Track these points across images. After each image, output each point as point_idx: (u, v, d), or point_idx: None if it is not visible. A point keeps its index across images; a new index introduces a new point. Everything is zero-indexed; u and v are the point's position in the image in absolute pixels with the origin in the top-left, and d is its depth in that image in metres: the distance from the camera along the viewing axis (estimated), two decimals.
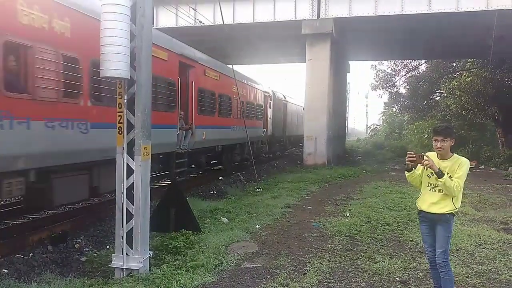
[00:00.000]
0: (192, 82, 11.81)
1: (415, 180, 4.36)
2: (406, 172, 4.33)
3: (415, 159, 4.11)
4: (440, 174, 3.97)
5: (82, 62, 6.98)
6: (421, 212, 4.34)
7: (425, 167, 4.12)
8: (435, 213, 4.15)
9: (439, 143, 4.11)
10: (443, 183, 3.96)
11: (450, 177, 3.99)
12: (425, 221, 4.33)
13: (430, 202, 4.19)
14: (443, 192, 4.08)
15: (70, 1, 6.78)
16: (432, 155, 4.20)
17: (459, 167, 4.06)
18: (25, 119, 5.88)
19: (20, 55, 5.96)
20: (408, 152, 4.20)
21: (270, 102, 22.11)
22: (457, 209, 4.17)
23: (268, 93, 21.83)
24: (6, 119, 5.55)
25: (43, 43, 6.17)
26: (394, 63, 33.63)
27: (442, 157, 4.15)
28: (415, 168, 4.29)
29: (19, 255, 5.99)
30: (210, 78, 12.97)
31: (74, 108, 6.89)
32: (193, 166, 13.15)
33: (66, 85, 6.64)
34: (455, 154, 4.20)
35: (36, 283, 5.12)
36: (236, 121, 15.69)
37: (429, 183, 4.22)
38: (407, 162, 4.18)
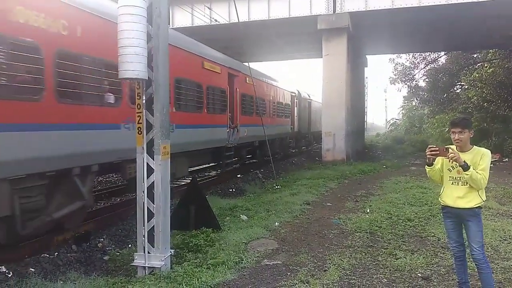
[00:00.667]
0: (237, 88, 13.98)
1: (435, 175, 4.27)
2: (426, 166, 4.25)
3: (437, 152, 4.01)
4: (466, 167, 3.87)
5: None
6: (445, 207, 4.24)
7: (450, 160, 4.00)
8: (463, 208, 4.04)
9: (457, 135, 4.02)
10: (470, 176, 3.87)
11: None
12: (450, 217, 4.22)
13: (455, 196, 4.08)
14: (468, 185, 3.99)
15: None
16: (453, 147, 4.09)
17: (481, 158, 3.98)
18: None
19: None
20: (429, 146, 4.11)
21: (296, 102, 23.66)
22: (483, 202, 4.08)
23: (295, 93, 23.41)
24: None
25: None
26: (412, 56, 33.11)
27: (462, 150, 4.06)
28: (434, 162, 4.20)
29: (45, 255, 6.14)
30: (249, 84, 14.56)
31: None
32: (236, 158, 14.87)
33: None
34: (474, 146, 4.11)
35: (61, 282, 5.24)
36: (270, 119, 17.81)
37: (450, 177, 4.13)
38: (428, 156, 4.09)
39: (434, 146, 4.10)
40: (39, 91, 5.83)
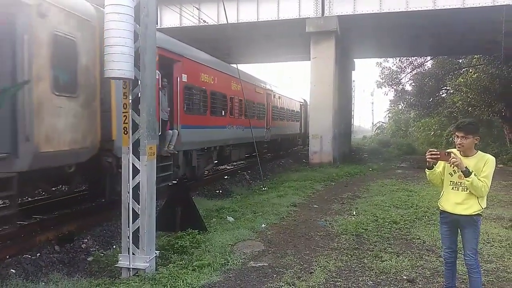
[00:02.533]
0: (269, 103, 20.61)
1: (436, 178, 4.19)
2: (426, 170, 4.16)
3: (438, 156, 3.91)
4: (467, 173, 3.79)
5: (229, 98, 14.91)
6: (443, 212, 4.17)
7: (452, 165, 3.91)
8: (461, 215, 3.97)
9: (459, 139, 3.94)
10: (470, 182, 3.78)
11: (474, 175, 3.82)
12: (446, 223, 4.17)
13: (454, 202, 4.01)
14: (468, 191, 3.91)
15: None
16: (455, 151, 4.00)
17: (485, 165, 3.88)
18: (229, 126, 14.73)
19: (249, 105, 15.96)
20: (430, 150, 4.02)
21: (303, 109, 29.86)
22: (483, 209, 3.99)
23: (302, 102, 29.68)
24: (230, 126, 14.71)
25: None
26: (399, 60, 33.43)
27: (465, 154, 3.96)
28: (435, 166, 4.12)
29: (27, 255, 6.02)
30: (276, 99, 22.24)
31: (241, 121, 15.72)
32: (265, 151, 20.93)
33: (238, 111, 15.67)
34: (479, 151, 4.01)
35: (43, 283, 5.14)
36: (287, 122, 25.15)
37: (451, 181, 4.04)
38: (428, 160, 4.00)
39: (435, 149, 3.99)
40: (205, 110, 12.52)
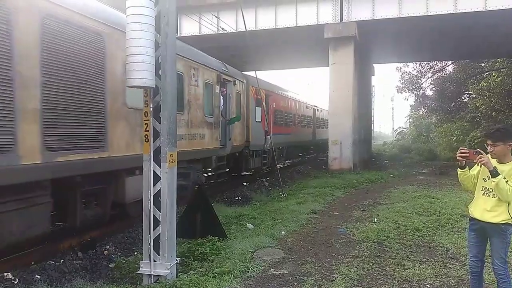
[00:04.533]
0: (314, 116, 28.31)
1: (468, 180, 4.08)
2: (458, 169, 4.06)
3: (467, 155, 3.84)
4: (494, 173, 3.70)
5: (293, 114, 22.62)
6: (472, 219, 4.07)
7: (479, 163, 3.84)
8: (488, 222, 3.87)
9: (489, 147, 3.87)
10: (496, 183, 3.69)
11: (506, 182, 3.71)
12: (474, 230, 4.07)
13: (483, 208, 3.91)
14: (497, 198, 3.80)
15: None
16: (489, 156, 3.92)
17: None
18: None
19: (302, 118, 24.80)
20: (460, 148, 3.94)
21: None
22: None
23: (316, 106, 33.01)
24: (293, 133, 22.15)
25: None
26: (419, 65, 33.05)
27: (500, 161, 3.86)
28: (468, 167, 4.02)
29: (51, 262, 6.13)
30: (318, 112, 29.67)
31: (299, 129, 24.03)
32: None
33: (298, 123, 23.86)
34: None
35: None
36: (324, 130, 29.00)
37: (483, 187, 3.94)
38: (458, 158, 3.93)
39: (465, 148, 3.92)
40: (282, 123, 19.93)
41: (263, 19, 19.76)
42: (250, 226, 8.21)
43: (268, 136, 16.47)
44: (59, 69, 5.78)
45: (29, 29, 5.32)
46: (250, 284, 5.13)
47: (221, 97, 12.30)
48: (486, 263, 4.30)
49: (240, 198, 12.40)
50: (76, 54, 6.10)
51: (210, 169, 12.36)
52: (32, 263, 6.02)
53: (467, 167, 4.04)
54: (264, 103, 16.19)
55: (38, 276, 5.59)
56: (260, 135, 16.40)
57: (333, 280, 5.22)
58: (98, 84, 6.62)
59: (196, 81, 10.45)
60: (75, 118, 6.09)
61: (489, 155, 3.93)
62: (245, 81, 14.72)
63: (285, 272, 5.58)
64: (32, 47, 5.36)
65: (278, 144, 18.56)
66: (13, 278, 5.37)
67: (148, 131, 5.27)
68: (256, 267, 5.69)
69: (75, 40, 6.07)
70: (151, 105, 5.26)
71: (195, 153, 10.40)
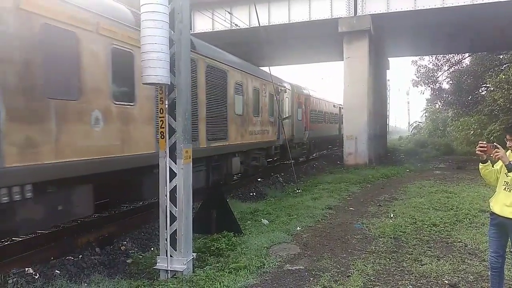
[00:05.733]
0: (340, 113, 30.12)
1: (490, 174, 4.04)
2: (480, 164, 4.02)
3: (485, 149, 3.80)
4: (510, 167, 3.66)
5: (324, 113, 26.73)
6: (492, 214, 4.03)
7: (495, 157, 3.79)
8: (507, 218, 3.82)
9: (508, 142, 3.83)
10: (511, 177, 3.67)
11: None
12: (494, 225, 4.02)
13: (503, 203, 3.87)
14: None
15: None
16: (508, 152, 3.88)
17: None
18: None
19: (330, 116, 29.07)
20: (479, 142, 3.89)
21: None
22: None
23: (342, 105, 36.34)
24: (323, 129, 26.22)
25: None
26: (436, 58, 32.53)
27: None
28: (491, 161, 3.97)
29: (70, 257, 6.24)
30: (342, 110, 25.36)
31: (327, 126, 28.24)
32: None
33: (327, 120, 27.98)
34: None
35: (86, 284, 5.31)
36: (337, 126, 31.44)
37: (505, 181, 3.89)
38: (477, 153, 3.89)
39: (484, 142, 3.86)
40: (315, 121, 23.83)
41: (276, 14, 19.67)
42: (265, 221, 8.22)
43: (307, 131, 20.98)
44: (211, 94, 10.17)
45: (202, 78, 9.70)
46: (266, 280, 5.14)
47: (276, 102, 15.90)
48: (506, 259, 4.23)
49: (254, 194, 12.42)
50: (216, 85, 10.55)
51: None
52: (52, 258, 6.14)
53: (489, 161, 3.98)
54: (303, 105, 20.71)
55: (58, 271, 5.70)
56: (301, 130, 20.09)
57: (349, 275, 5.20)
58: (224, 102, 11.09)
59: (265, 93, 14.79)
60: (217, 122, 10.56)
61: (509, 150, 3.88)
62: (291, 89, 18.72)
63: (301, 267, 5.58)
64: (203, 86, 9.76)
65: (312, 138, 22.84)
66: (33, 273, 5.49)
67: (163, 128, 5.30)
68: (272, 263, 5.69)
69: (217, 78, 10.65)
70: (166, 102, 5.29)
71: (264, 143, 14.77)
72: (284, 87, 17.66)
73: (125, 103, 6.93)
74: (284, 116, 16.79)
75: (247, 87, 12.88)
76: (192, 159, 5.55)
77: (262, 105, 14.41)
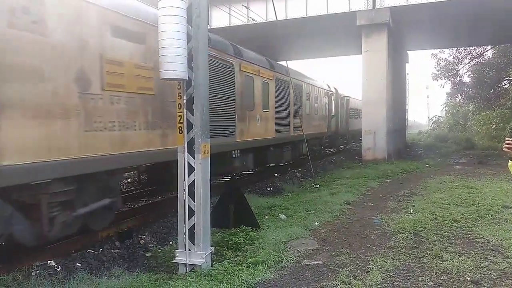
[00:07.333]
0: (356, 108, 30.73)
1: None
2: (509, 160, 3.94)
3: (511, 145, 3.71)
4: None
5: (358, 110, 27.52)
6: None
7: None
8: None
9: None
10: None
11: None
12: None
13: None
14: None
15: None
16: None
17: None
18: None
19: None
20: (507, 138, 3.78)
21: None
22: None
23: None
24: (354, 123, 29.36)
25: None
26: (456, 51, 31.90)
27: None
28: None
29: (90, 250, 6.35)
30: (358, 101, 27.99)
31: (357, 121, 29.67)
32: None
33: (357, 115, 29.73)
34: None
35: (106, 277, 5.39)
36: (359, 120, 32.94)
37: None
38: (504, 150, 3.80)
39: (511, 139, 3.76)
40: (351, 116, 28.30)
41: (294, 8, 19.52)
42: (282, 216, 8.20)
43: (347, 125, 26.59)
44: (279, 99, 14.25)
45: (271, 88, 13.65)
46: (284, 274, 5.13)
47: (326, 103, 21.27)
48: None
49: (271, 188, 12.41)
50: (296, 95, 16.05)
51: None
52: (73, 251, 6.27)
53: None
54: (344, 105, 25.93)
55: (79, 264, 5.81)
56: (343, 125, 25.49)
57: (369, 271, 5.15)
58: (299, 106, 16.18)
59: (320, 97, 20.33)
60: (310, 119, 18.20)
61: None
62: (335, 92, 23.64)
63: (320, 262, 5.55)
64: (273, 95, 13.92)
65: (350, 130, 28.02)
66: (56, 265, 5.60)
67: (182, 123, 5.32)
68: (290, 257, 5.68)
69: (297, 91, 16.17)
70: (185, 97, 5.31)
71: (319, 134, 20.00)
72: (331, 91, 22.79)
73: (265, 110, 12.96)
74: (332, 114, 22.50)
75: (311, 94, 18.58)
76: (284, 142, 11.43)
77: (318, 106, 19.76)
